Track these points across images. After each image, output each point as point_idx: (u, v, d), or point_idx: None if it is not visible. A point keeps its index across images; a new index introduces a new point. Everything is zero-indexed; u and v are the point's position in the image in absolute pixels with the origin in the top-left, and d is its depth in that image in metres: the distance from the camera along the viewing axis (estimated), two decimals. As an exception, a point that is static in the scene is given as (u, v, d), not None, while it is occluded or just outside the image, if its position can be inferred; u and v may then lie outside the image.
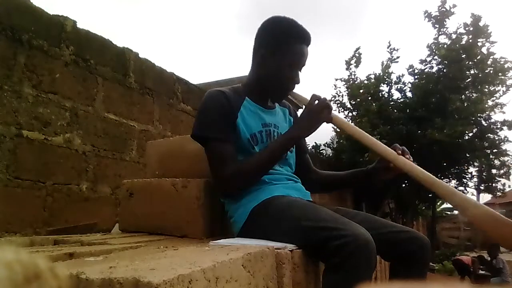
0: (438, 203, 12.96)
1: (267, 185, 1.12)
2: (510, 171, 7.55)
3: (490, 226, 0.84)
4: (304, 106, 1.18)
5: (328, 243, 0.86)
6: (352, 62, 8.04)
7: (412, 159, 1.09)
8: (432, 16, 7.31)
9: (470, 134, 7.16)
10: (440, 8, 7.22)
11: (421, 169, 1.01)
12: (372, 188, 7.16)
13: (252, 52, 1.22)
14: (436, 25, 7.32)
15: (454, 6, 7.11)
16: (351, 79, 8.04)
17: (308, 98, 1.16)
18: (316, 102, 1.13)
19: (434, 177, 0.98)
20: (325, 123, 1.14)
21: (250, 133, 1.15)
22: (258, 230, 1.04)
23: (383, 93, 7.86)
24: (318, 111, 1.11)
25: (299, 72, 1.20)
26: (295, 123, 1.18)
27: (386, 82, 7.80)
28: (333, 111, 1.15)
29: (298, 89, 1.26)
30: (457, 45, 6.95)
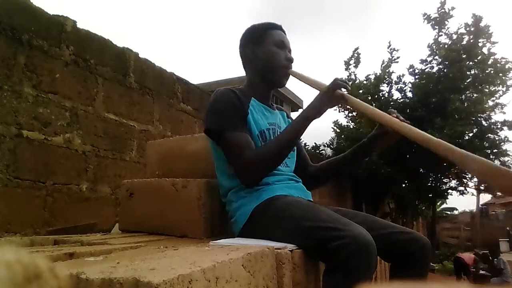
0: (438, 203, 12.96)
1: (269, 185, 1.12)
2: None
3: (490, 176, 0.89)
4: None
5: (328, 244, 0.86)
6: (351, 62, 8.05)
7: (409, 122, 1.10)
8: (432, 18, 7.31)
9: (470, 134, 7.15)
10: (439, 10, 7.21)
11: (418, 129, 1.04)
12: (372, 187, 7.16)
13: (242, 60, 1.31)
14: (435, 27, 7.32)
15: (453, 8, 7.11)
16: (350, 79, 8.04)
17: (325, 83, 1.19)
18: (332, 82, 1.13)
19: (430, 136, 1.00)
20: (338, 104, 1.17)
21: (259, 130, 1.17)
22: (258, 230, 1.04)
23: (383, 93, 7.86)
24: (332, 91, 1.11)
25: (288, 52, 1.26)
26: (310, 103, 1.16)
27: (386, 82, 7.80)
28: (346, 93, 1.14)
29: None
30: (458, 45, 6.95)
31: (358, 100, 1.16)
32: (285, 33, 1.29)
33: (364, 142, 1.28)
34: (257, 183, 1.11)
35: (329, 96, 1.12)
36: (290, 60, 1.25)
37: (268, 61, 1.23)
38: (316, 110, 1.13)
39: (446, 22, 7.19)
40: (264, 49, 1.23)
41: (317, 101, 1.13)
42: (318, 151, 8.30)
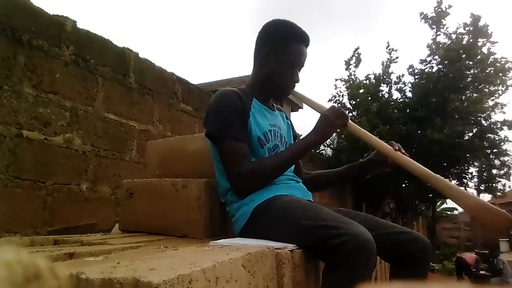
0: (438, 203, 12.95)
1: (270, 185, 1.12)
2: (510, 171, 7.54)
3: (482, 214, 0.96)
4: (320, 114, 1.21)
5: (328, 242, 0.86)
6: (352, 62, 8.06)
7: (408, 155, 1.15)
8: (429, 17, 7.30)
9: (470, 134, 7.15)
10: (436, 9, 7.21)
11: (419, 164, 1.10)
12: (372, 189, 7.16)
13: (254, 53, 1.27)
14: (433, 26, 7.32)
15: (450, 6, 7.11)
16: (350, 79, 8.05)
17: (325, 106, 1.22)
18: (332, 109, 1.16)
19: (430, 171, 1.07)
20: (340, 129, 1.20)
21: (262, 132, 1.17)
22: (259, 230, 1.04)
23: (383, 93, 7.87)
24: (334, 117, 1.13)
25: (298, 71, 1.25)
26: (313, 129, 1.17)
27: (386, 82, 7.80)
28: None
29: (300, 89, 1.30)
30: (457, 45, 6.95)
31: (360, 127, 1.19)
32: (307, 46, 1.24)
33: (361, 163, 1.31)
34: (248, 195, 1.11)
35: (330, 122, 1.13)
36: (296, 82, 1.25)
37: (275, 75, 1.22)
38: (319, 135, 1.14)
39: (443, 21, 7.19)
40: (278, 61, 1.20)
41: (320, 126, 1.14)
42: (318, 151, 8.30)
